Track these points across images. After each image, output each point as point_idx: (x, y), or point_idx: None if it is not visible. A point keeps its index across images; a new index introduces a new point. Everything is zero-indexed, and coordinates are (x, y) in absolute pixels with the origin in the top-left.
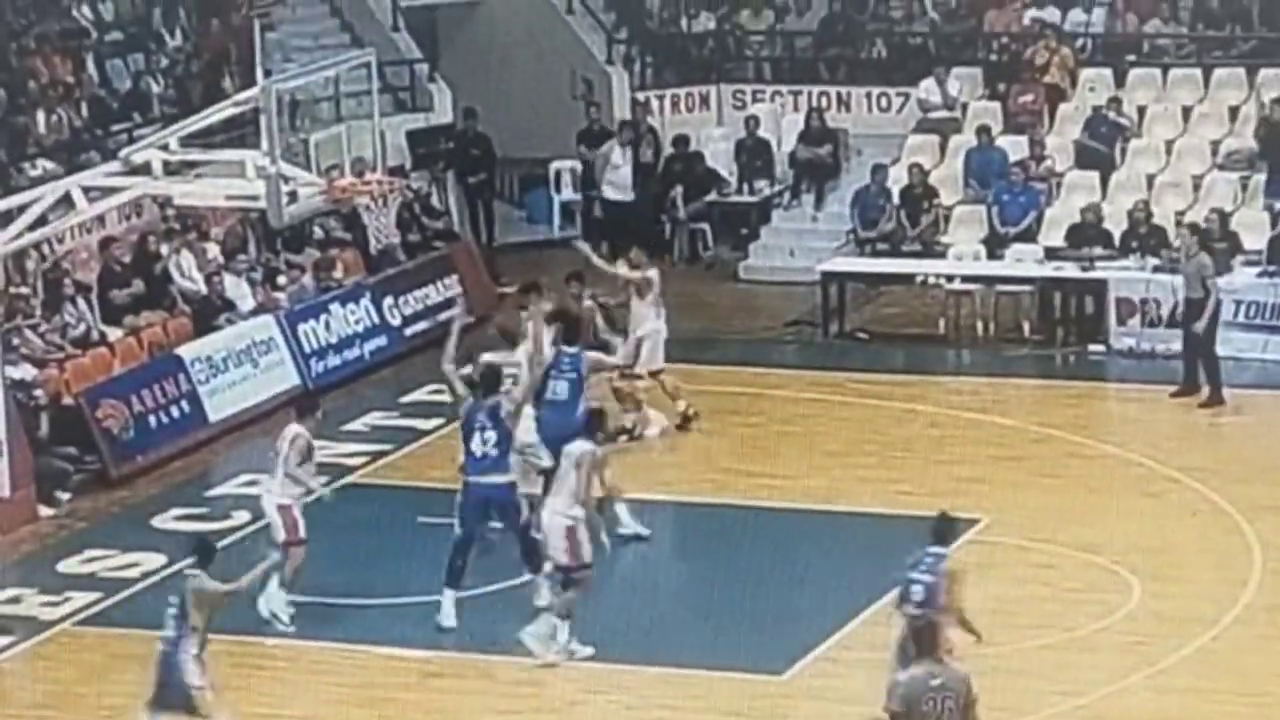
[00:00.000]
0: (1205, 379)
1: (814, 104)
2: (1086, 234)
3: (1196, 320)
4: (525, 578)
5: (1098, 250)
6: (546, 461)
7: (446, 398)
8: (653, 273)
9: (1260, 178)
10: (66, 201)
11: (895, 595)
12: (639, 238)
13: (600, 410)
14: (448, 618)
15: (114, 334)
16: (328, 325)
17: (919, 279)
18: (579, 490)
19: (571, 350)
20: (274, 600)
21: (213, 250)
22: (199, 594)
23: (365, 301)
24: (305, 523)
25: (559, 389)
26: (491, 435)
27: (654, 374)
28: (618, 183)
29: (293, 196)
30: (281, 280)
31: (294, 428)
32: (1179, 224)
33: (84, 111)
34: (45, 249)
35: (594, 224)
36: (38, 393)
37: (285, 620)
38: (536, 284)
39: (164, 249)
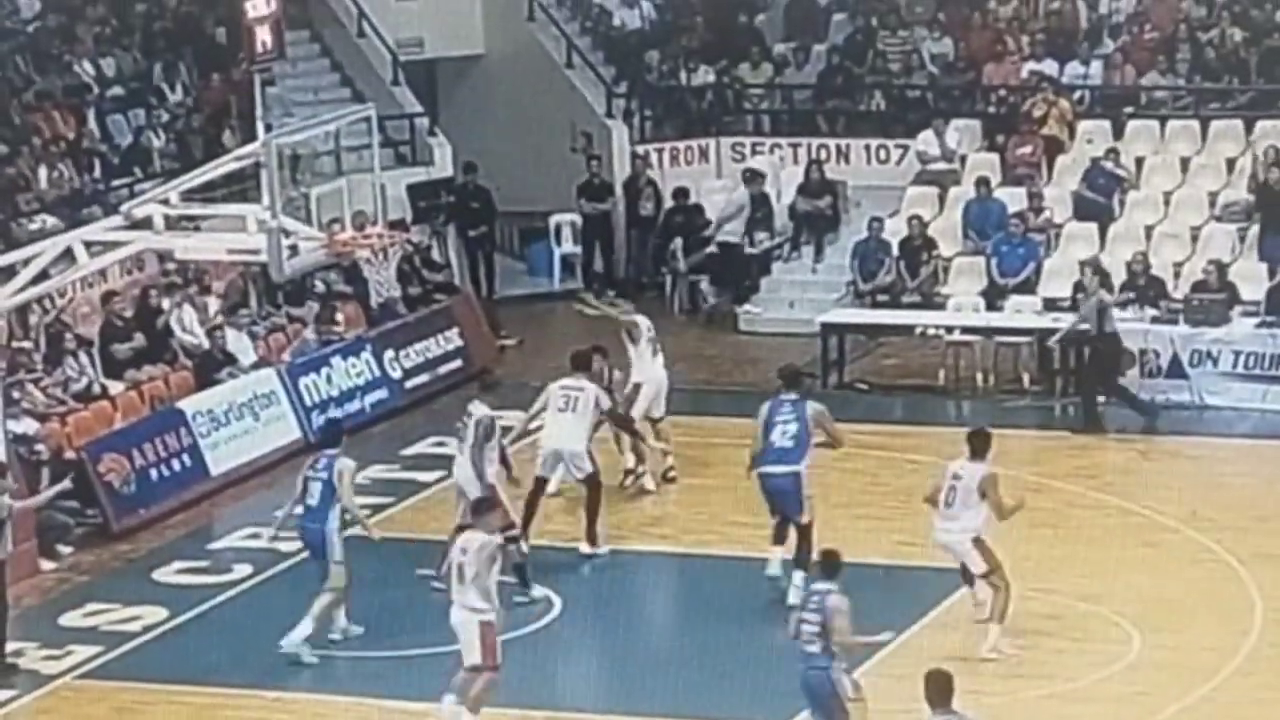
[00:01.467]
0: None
1: (813, 156)
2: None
3: (1099, 358)
4: None
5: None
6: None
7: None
8: (639, 318)
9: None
10: (68, 256)
11: None
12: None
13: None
14: (773, 568)
15: (116, 388)
16: (329, 378)
17: (918, 330)
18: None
19: (331, 452)
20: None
21: (214, 304)
22: (840, 613)
23: (366, 354)
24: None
25: (313, 490)
26: (791, 427)
27: (653, 422)
28: (739, 230)
29: (294, 250)
30: (309, 334)
31: (479, 536)
32: (1102, 267)
33: (88, 167)
34: (47, 303)
35: (595, 276)
36: (39, 447)
37: None
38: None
39: (165, 303)
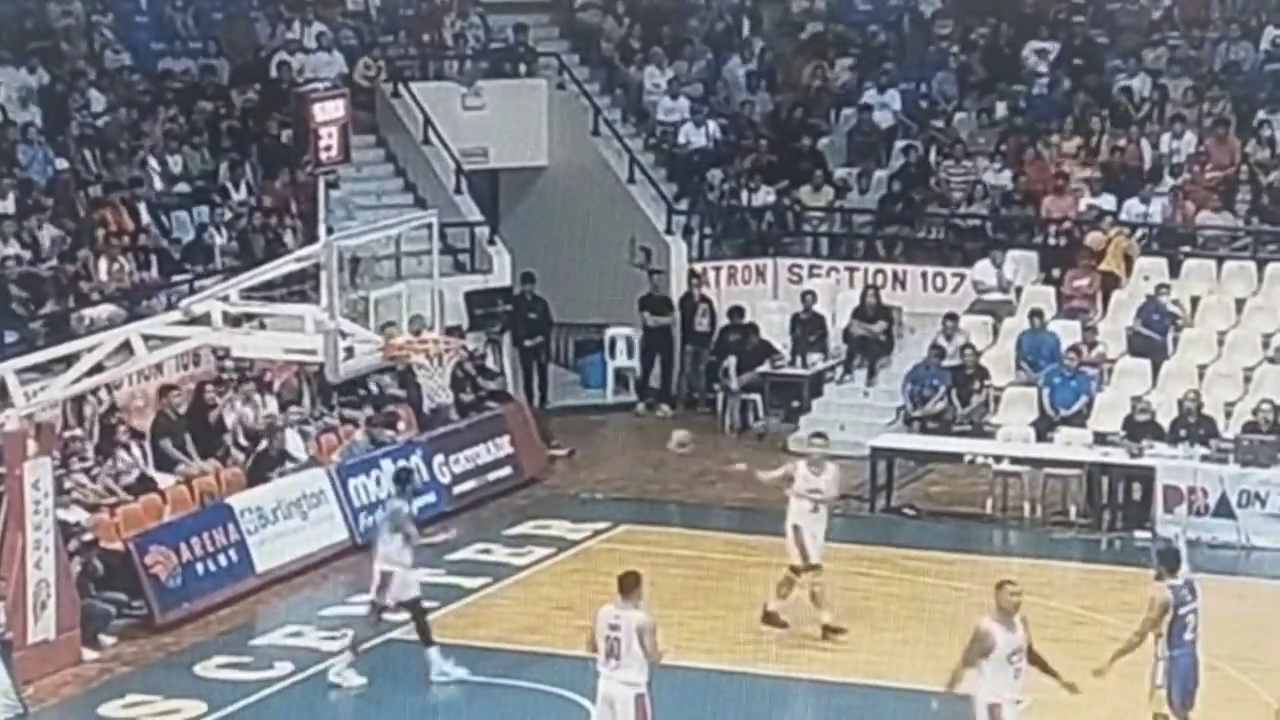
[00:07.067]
0: None
1: (870, 281)
2: (1138, 424)
3: None
4: None
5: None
6: None
7: None
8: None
9: None
10: (126, 348)
11: None
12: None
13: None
14: None
15: (166, 481)
16: (378, 480)
17: (968, 458)
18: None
19: None
20: None
21: (269, 402)
22: None
23: (416, 458)
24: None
25: None
26: None
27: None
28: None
29: (350, 352)
30: (359, 435)
31: (637, 614)
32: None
33: (149, 262)
34: (103, 394)
35: (651, 391)
36: (87, 536)
37: None
38: None
39: (220, 399)
